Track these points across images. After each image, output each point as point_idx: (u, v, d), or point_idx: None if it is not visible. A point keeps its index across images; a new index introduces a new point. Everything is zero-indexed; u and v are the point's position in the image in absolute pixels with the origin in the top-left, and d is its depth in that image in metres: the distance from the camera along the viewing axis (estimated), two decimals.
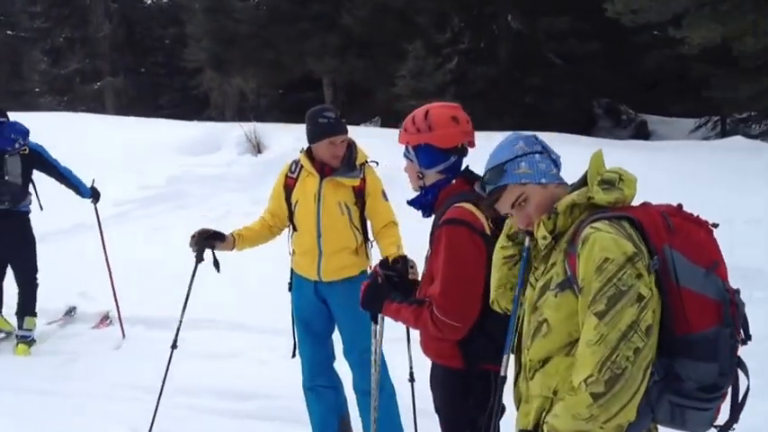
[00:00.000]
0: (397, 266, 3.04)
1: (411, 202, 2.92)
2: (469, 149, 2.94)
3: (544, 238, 2.17)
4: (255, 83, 21.92)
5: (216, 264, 4.16)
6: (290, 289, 4.33)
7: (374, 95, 20.23)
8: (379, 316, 3.09)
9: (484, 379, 2.72)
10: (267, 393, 5.11)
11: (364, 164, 4.15)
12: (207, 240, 4.09)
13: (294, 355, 4.37)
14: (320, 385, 4.30)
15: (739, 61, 14.84)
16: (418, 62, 17.24)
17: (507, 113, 17.81)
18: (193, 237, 4.10)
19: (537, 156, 2.25)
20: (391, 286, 2.92)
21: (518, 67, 18.24)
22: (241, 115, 19.55)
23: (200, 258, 4.13)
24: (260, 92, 23.29)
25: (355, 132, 4.39)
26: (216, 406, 5.03)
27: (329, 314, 4.24)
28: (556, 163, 2.28)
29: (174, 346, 4.43)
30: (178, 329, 4.45)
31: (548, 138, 2.42)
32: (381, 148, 4.94)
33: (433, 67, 17.23)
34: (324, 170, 4.08)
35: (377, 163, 4.21)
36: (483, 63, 18.01)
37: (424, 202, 2.86)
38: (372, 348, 3.36)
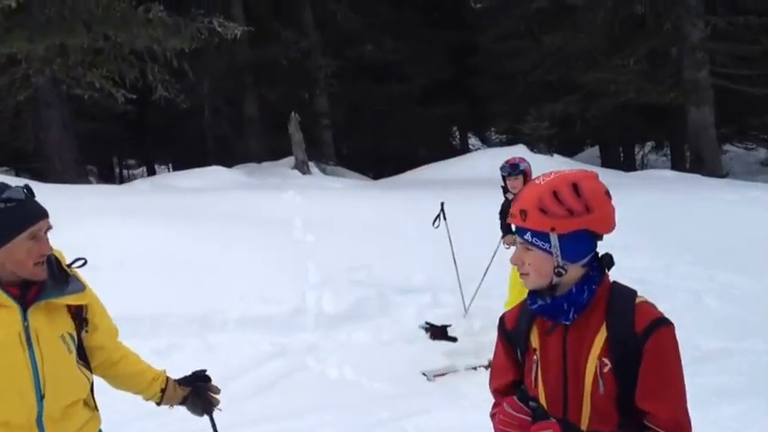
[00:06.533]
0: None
1: (552, 307, 2.11)
2: None
3: None
4: None
5: None
6: None
7: None
8: None
9: None
10: None
11: (69, 267, 2.67)
12: None
13: None
14: None
15: None
16: None
17: None
18: None
19: None
20: None
21: None
22: None
23: None
24: None
25: None
26: None
27: None
28: None
29: None
30: None
31: None
32: None
33: None
34: (26, 294, 2.53)
35: (85, 261, 2.70)
36: None
37: (578, 302, 2.10)
38: None
